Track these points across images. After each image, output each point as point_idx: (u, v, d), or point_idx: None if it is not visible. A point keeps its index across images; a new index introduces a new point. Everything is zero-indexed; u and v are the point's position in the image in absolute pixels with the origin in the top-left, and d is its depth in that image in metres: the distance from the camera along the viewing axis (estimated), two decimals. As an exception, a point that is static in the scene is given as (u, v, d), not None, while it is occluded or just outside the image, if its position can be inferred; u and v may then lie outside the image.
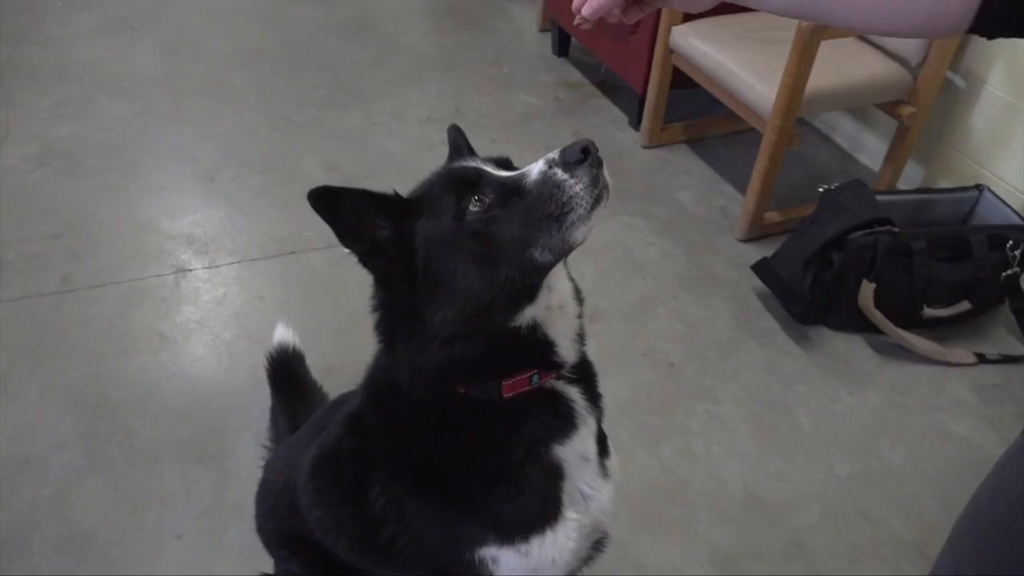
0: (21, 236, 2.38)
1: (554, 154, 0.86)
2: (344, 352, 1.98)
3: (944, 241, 2.10)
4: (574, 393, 0.98)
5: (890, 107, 2.41)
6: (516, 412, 0.94)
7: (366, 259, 0.90)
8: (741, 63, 2.37)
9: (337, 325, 2.08)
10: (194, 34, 3.52)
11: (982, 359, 2.12)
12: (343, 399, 1.25)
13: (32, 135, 2.83)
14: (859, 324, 2.14)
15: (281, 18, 3.69)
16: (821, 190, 2.22)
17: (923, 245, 2.06)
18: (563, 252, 0.86)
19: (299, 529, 1.22)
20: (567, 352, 0.95)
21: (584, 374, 1.01)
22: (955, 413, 1.99)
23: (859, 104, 2.56)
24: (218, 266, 2.32)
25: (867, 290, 2.06)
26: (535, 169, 0.86)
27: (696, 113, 2.97)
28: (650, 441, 1.88)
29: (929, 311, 2.11)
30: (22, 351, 2.03)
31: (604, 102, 3.18)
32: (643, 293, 2.29)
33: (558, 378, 0.96)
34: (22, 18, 3.55)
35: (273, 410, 1.73)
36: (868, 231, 2.06)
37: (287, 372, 1.70)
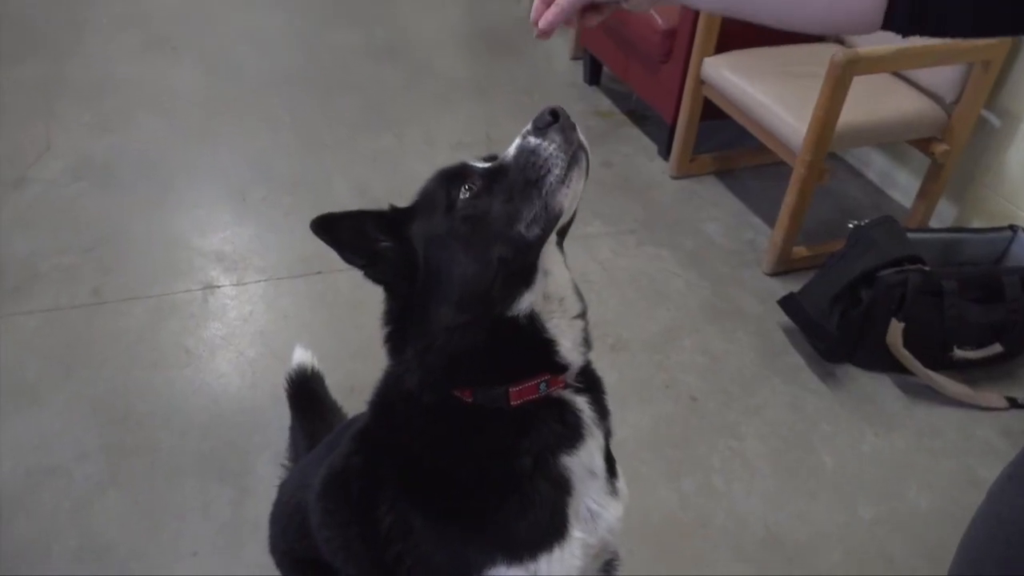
0: (56, 248, 2.43)
1: (527, 126, 0.90)
2: (365, 372, 1.96)
3: (976, 282, 2.07)
4: (581, 403, 0.98)
5: (923, 144, 2.39)
6: (524, 420, 0.94)
7: (369, 271, 0.94)
8: (772, 96, 2.36)
9: (359, 346, 2.09)
10: (232, 55, 3.59)
11: (1013, 404, 2.07)
12: (355, 420, 1.25)
13: (71, 149, 2.89)
14: (887, 363, 2.11)
15: (317, 42, 3.75)
16: (851, 226, 2.20)
17: (954, 285, 2.03)
18: (549, 222, 0.88)
19: (310, 551, 1.22)
20: (570, 353, 0.95)
21: (591, 385, 1.01)
22: (984, 458, 1.94)
23: (891, 140, 2.54)
24: (246, 284, 2.34)
25: (896, 329, 2.03)
26: (513, 146, 0.91)
27: (726, 144, 2.96)
28: (670, 475, 1.86)
29: (959, 353, 2.07)
30: (52, 361, 2.06)
31: (634, 131, 3.18)
32: (667, 324, 2.28)
33: (566, 387, 0.96)
34: (68, 35, 3.65)
35: (292, 429, 1.74)
36: (898, 269, 2.03)
37: (306, 392, 1.71)
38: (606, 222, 2.67)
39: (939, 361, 2.08)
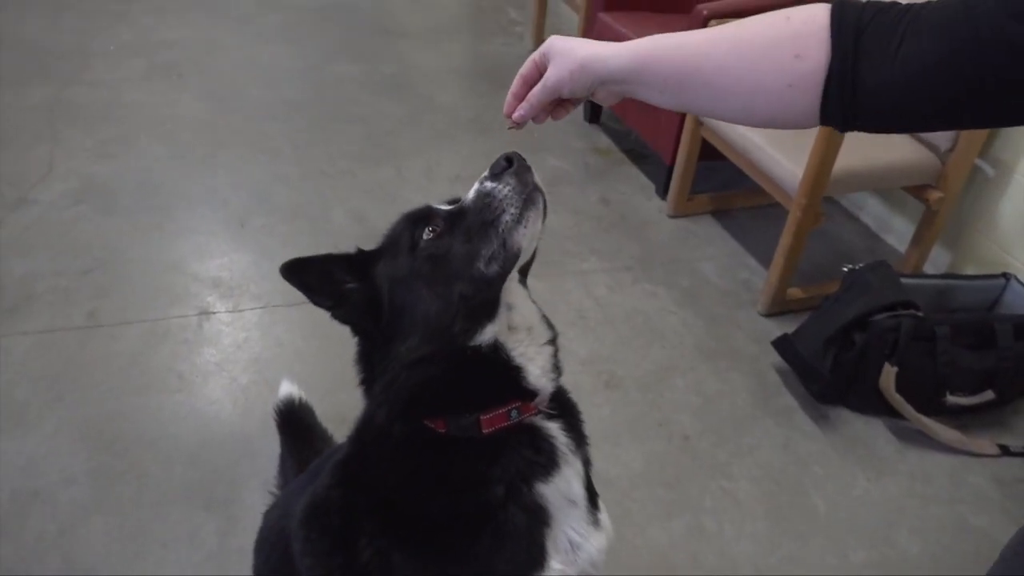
0: (53, 270, 2.43)
1: (485, 172, 0.95)
2: (357, 402, 1.95)
3: (969, 328, 2.08)
4: (554, 429, 0.99)
5: (918, 191, 2.42)
6: (495, 448, 0.94)
7: (336, 312, 0.98)
8: (769, 139, 2.39)
9: (351, 376, 2.07)
10: (236, 84, 3.64)
11: (1005, 451, 2.07)
12: (340, 447, 1.25)
13: (73, 172, 2.91)
14: (880, 407, 2.11)
15: (320, 73, 3.80)
16: (845, 269, 2.21)
17: (947, 331, 2.04)
18: (508, 260, 0.92)
19: None
20: (539, 380, 0.96)
21: (565, 412, 1.02)
22: (976, 505, 1.93)
23: (886, 186, 2.57)
24: (241, 310, 2.34)
25: (889, 373, 2.04)
26: (472, 190, 0.96)
27: (723, 185, 2.99)
28: (661, 515, 1.84)
29: (952, 398, 2.07)
30: (43, 383, 2.05)
31: (632, 170, 3.21)
32: (661, 363, 2.28)
33: (537, 413, 0.97)
34: (75, 61, 3.70)
35: (282, 457, 1.73)
36: (892, 314, 2.04)
37: (295, 421, 1.71)
38: (602, 259, 2.68)
39: (932, 406, 2.08)
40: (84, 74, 3.59)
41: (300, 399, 1.74)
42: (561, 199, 2.96)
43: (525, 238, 0.92)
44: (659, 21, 3.09)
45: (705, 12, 2.45)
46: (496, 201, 0.92)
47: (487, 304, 0.93)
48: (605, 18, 3.17)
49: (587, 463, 1.05)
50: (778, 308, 2.47)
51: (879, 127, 0.73)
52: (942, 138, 2.32)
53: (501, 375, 0.94)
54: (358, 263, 0.99)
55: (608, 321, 2.41)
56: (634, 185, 3.11)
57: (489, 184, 0.94)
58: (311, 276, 0.97)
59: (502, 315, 0.94)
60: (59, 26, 4.01)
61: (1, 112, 3.25)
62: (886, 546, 1.82)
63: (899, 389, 2.04)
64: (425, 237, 0.95)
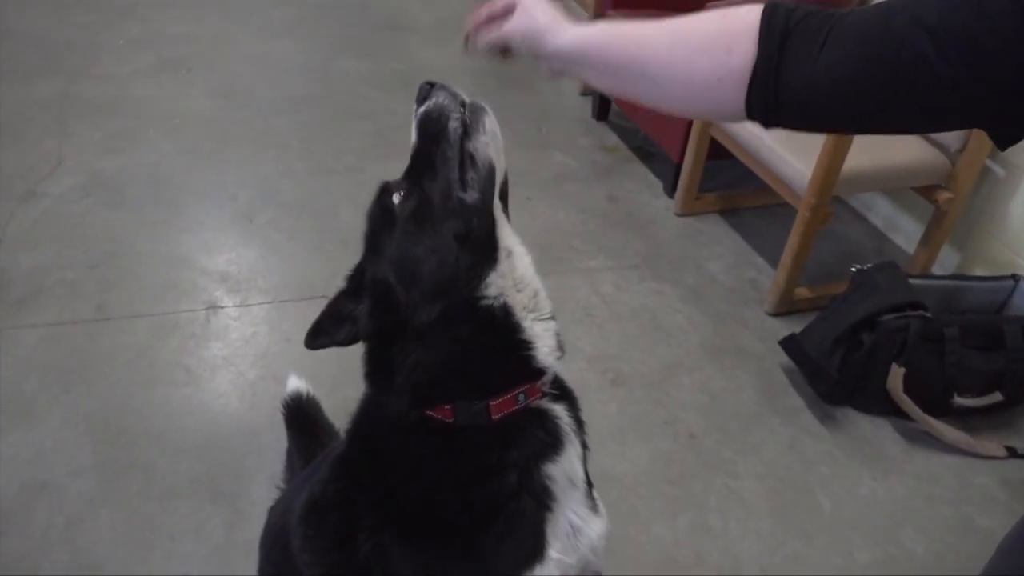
0: (61, 263, 2.44)
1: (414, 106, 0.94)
2: (365, 399, 1.98)
3: (977, 330, 2.07)
4: (559, 410, 0.98)
5: (927, 191, 2.41)
6: (507, 433, 0.94)
7: (362, 336, 0.98)
8: (778, 139, 2.39)
9: (358, 371, 2.08)
10: (244, 79, 3.64)
11: (1013, 453, 2.06)
12: (339, 444, 1.26)
13: (82, 166, 2.92)
14: (887, 408, 2.11)
15: (328, 69, 3.80)
16: (854, 269, 2.21)
17: (955, 332, 2.03)
18: (485, 179, 0.89)
19: (295, 575, 1.21)
20: (547, 357, 0.95)
21: (565, 394, 1.02)
22: (982, 507, 1.93)
23: (895, 186, 2.56)
24: (249, 305, 2.35)
25: (896, 374, 2.03)
26: (412, 132, 0.93)
27: (731, 184, 2.99)
28: (666, 512, 1.84)
29: (959, 400, 2.07)
30: (51, 376, 2.06)
31: (640, 168, 3.21)
32: (667, 361, 2.28)
33: (542, 396, 0.96)
34: (84, 55, 3.70)
35: (289, 452, 1.74)
36: (900, 314, 2.03)
37: (302, 415, 1.72)
38: (609, 256, 2.68)
39: (939, 407, 2.08)
40: (92, 68, 3.60)
41: (307, 394, 1.75)
42: (568, 196, 2.96)
43: (489, 146, 0.90)
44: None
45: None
46: (435, 115, 0.91)
47: (485, 242, 0.91)
48: (614, 16, 3.16)
49: (585, 447, 1.05)
50: (785, 308, 2.47)
51: (799, 126, 0.77)
52: (952, 138, 2.32)
53: (512, 349, 0.93)
54: (354, 284, 1.00)
55: (614, 319, 2.41)
56: (641, 183, 3.11)
57: (420, 108, 0.93)
58: (330, 327, 0.98)
59: (504, 261, 0.92)
60: (67, 20, 4.02)
61: (10, 106, 3.26)
62: (892, 546, 1.82)
63: (906, 390, 2.04)
64: (397, 204, 0.93)
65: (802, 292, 2.48)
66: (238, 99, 3.47)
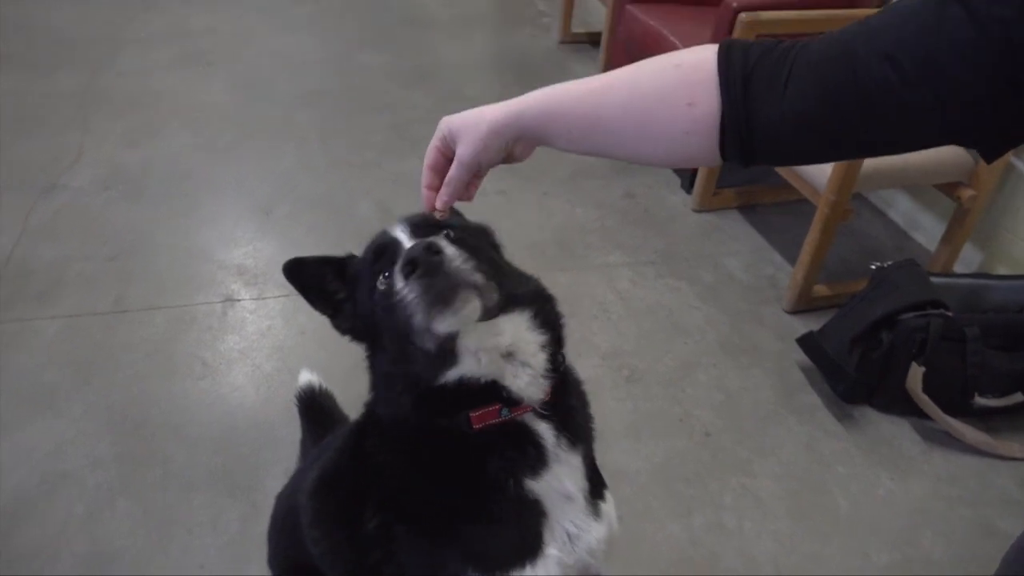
0: (81, 255, 2.46)
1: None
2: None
3: (1000, 329, 2.04)
4: (543, 429, 0.95)
5: (949, 188, 2.38)
6: (484, 444, 0.93)
7: (333, 321, 1.00)
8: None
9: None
10: (264, 73, 3.66)
11: (1034, 454, 2.04)
12: (341, 432, 1.27)
13: (102, 159, 2.94)
14: (906, 407, 2.08)
15: (347, 63, 3.81)
16: (873, 267, 2.18)
17: (977, 332, 2.00)
18: (442, 341, 0.85)
19: (303, 556, 1.22)
20: (522, 391, 0.91)
21: (562, 408, 0.98)
22: (1002, 509, 1.91)
23: (917, 183, 2.53)
24: (265, 298, 2.36)
25: (916, 373, 2.01)
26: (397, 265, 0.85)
27: (749, 180, 2.96)
28: (681, 511, 1.84)
29: (980, 400, 2.04)
30: (71, 367, 2.08)
31: (658, 163, 3.18)
32: (684, 358, 2.27)
33: (530, 411, 0.94)
34: (106, 49, 3.74)
35: (303, 443, 1.75)
36: (920, 313, 2.01)
37: (316, 407, 1.72)
38: (626, 253, 2.67)
39: (959, 408, 2.05)
40: (114, 62, 3.63)
41: (320, 386, 1.75)
42: (585, 192, 2.95)
43: (446, 323, 0.83)
44: (686, 13, 3.06)
45: (735, 4, 2.42)
46: (405, 303, 0.83)
47: (442, 361, 0.88)
48: (633, 10, 3.14)
49: (588, 457, 1.04)
50: (803, 305, 2.45)
51: (779, 162, 0.80)
52: (975, 135, 2.28)
53: (479, 392, 0.91)
54: (347, 271, 1.00)
55: (631, 315, 2.40)
56: (659, 179, 3.09)
57: (399, 283, 0.83)
58: (308, 276, 0.98)
59: (466, 359, 0.89)
60: (90, 15, 4.05)
61: (32, 99, 3.30)
62: (910, 548, 1.80)
63: (926, 389, 2.01)
64: (379, 285, 0.90)
65: (820, 290, 2.46)
66: (258, 93, 3.49)
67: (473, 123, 0.88)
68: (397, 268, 0.84)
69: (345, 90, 3.57)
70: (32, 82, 3.41)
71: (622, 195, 2.97)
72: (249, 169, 2.97)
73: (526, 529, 0.97)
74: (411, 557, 1.02)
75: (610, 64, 3.47)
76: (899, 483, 1.95)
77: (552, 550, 0.98)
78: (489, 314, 0.87)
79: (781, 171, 2.46)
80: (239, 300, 2.35)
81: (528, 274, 1.02)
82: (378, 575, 1.04)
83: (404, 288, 0.83)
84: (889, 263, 2.18)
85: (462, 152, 0.89)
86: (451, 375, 0.89)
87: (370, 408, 1.06)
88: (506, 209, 2.75)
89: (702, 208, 2.90)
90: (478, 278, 0.84)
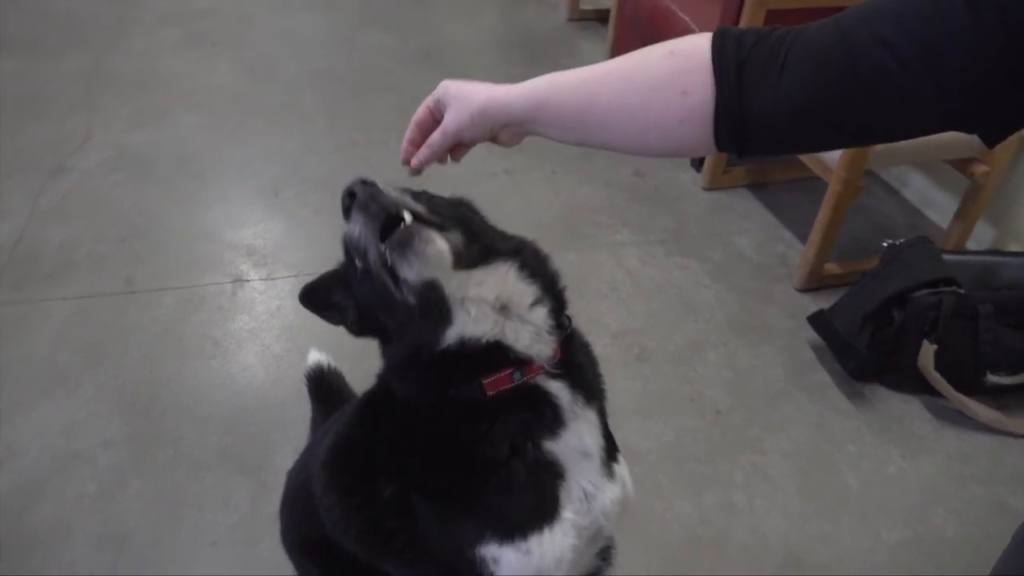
0: (90, 237, 2.47)
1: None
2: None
3: (1013, 306, 2.02)
4: (557, 388, 0.96)
5: (962, 164, 2.35)
6: (499, 409, 0.94)
7: (348, 329, 1.02)
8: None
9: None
10: (270, 54, 3.64)
11: (1047, 432, 2.03)
12: (347, 407, 1.28)
13: (110, 141, 2.94)
14: (917, 385, 2.07)
15: (353, 43, 3.79)
16: (885, 244, 2.16)
17: (990, 309, 1.99)
18: (420, 288, 0.87)
19: (315, 529, 1.22)
20: (529, 348, 0.92)
21: (573, 367, 0.99)
22: (1014, 486, 1.90)
23: (930, 159, 2.50)
24: (274, 279, 2.36)
25: (928, 351, 2.00)
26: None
27: (760, 158, 2.94)
28: (691, 489, 1.84)
29: (993, 378, 2.03)
30: (82, 348, 2.09)
31: (667, 142, 3.16)
32: (693, 336, 2.26)
33: (542, 372, 0.95)
34: (112, 30, 3.72)
35: (314, 422, 1.75)
36: (933, 290, 1.99)
37: (325, 386, 1.73)
38: (635, 231, 2.65)
39: (971, 385, 2.04)
40: (120, 44, 3.62)
41: (329, 366, 1.75)
42: (593, 171, 2.93)
43: (414, 267, 0.86)
44: (697, -11, 3.01)
45: (747, -17, 2.39)
46: (356, 246, 0.88)
47: (433, 316, 0.89)
48: (642, -14, 3.10)
49: (603, 414, 1.05)
50: (814, 283, 2.43)
51: (774, 150, 0.78)
52: (990, 110, 2.25)
53: (485, 355, 0.92)
54: (343, 278, 1.02)
55: (640, 294, 2.39)
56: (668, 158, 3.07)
57: (345, 228, 0.88)
58: (320, 299, 1.02)
59: (459, 313, 0.90)
60: (95, -5, 4.04)
61: (39, 81, 3.29)
62: (920, 526, 1.80)
63: (938, 367, 2.00)
64: (358, 264, 0.93)
65: (831, 268, 2.44)
66: (264, 73, 3.47)
67: (466, 97, 0.88)
68: (343, 210, 0.88)
69: (351, 70, 3.55)
70: (39, 64, 3.41)
71: (631, 173, 2.95)
72: (256, 150, 2.96)
73: (543, 492, 0.97)
74: (428, 525, 1.02)
75: (618, 41, 3.44)
76: (910, 461, 1.95)
77: (568, 513, 0.98)
78: (465, 261, 0.89)
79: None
80: (248, 280, 2.35)
81: (519, 236, 1.02)
82: (393, 543, 1.05)
83: (350, 227, 0.87)
84: (901, 240, 2.16)
85: (447, 121, 0.90)
86: (451, 336, 0.90)
87: (382, 380, 1.06)
88: (513, 188, 2.74)
89: (712, 186, 2.87)
90: (432, 217, 0.88)
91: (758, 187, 2.90)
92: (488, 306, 0.90)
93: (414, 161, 0.94)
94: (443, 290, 0.88)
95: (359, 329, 1.01)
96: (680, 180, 2.94)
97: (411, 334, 0.91)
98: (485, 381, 0.92)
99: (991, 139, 0.67)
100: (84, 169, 2.78)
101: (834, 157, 2.20)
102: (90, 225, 2.52)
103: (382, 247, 0.86)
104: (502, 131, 0.89)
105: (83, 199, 2.64)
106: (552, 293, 0.96)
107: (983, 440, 2.01)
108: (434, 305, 0.88)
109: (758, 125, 0.72)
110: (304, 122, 3.15)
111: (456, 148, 0.94)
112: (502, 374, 0.92)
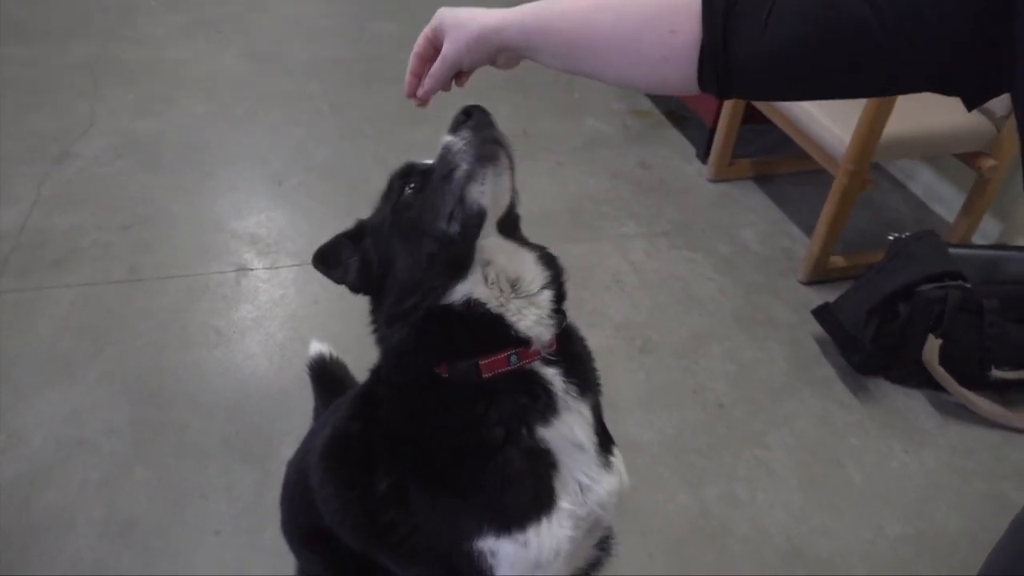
0: (95, 224, 2.47)
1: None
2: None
3: (1018, 301, 2.02)
4: (551, 375, 0.98)
5: (970, 158, 2.34)
6: (493, 393, 0.95)
7: (347, 284, 1.05)
8: (817, 104, 2.32)
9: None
10: (276, 42, 3.63)
11: (1051, 428, 2.02)
12: (348, 395, 1.28)
13: (114, 128, 2.94)
14: (921, 379, 2.07)
15: (360, 32, 3.77)
16: (891, 238, 2.16)
17: (996, 304, 1.98)
18: (469, 219, 0.91)
19: (315, 520, 1.23)
20: (530, 329, 0.94)
21: (570, 357, 1.01)
22: (1017, 482, 1.90)
23: (937, 152, 2.49)
24: (278, 268, 2.36)
25: (932, 345, 1.99)
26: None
27: (766, 150, 2.93)
28: (693, 482, 1.84)
29: (997, 373, 2.02)
30: (86, 335, 2.09)
31: (673, 133, 3.15)
32: (698, 329, 2.25)
33: (539, 358, 0.96)
34: (118, 17, 3.71)
35: (316, 410, 1.75)
36: (938, 284, 1.99)
37: (328, 375, 1.73)
38: (640, 223, 2.65)
39: (975, 380, 2.03)
40: (126, 30, 3.61)
41: (331, 355, 1.75)
42: (599, 162, 2.92)
43: (485, 196, 0.91)
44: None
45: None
46: (451, 155, 0.92)
47: (457, 262, 0.93)
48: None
49: (596, 408, 1.05)
50: (819, 276, 2.42)
51: (754, 96, 0.82)
52: (998, 103, 2.24)
53: (486, 327, 0.94)
54: (356, 234, 1.04)
55: (645, 286, 2.39)
56: (674, 148, 3.06)
57: (448, 138, 0.93)
58: (330, 261, 1.03)
59: (476, 272, 0.93)
60: (101, -19, 4.02)
61: (44, 68, 3.29)
62: (923, 521, 1.80)
63: (942, 362, 2.00)
64: (405, 193, 0.96)
65: (837, 261, 2.43)
66: (270, 62, 3.46)
67: (462, 25, 0.90)
68: (451, 127, 0.94)
69: (358, 59, 3.54)
70: (45, 51, 3.40)
71: (636, 164, 2.94)
72: (262, 138, 2.96)
73: (539, 482, 0.97)
74: (425, 518, 1.02)
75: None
76: (913, 455, 1.94)
77: (565, 503, 0.98)
78: (503, 227, 0.97)
79: (799, 140, 2.42)
80: (252, 269, 2.35)
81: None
82: (390, 537, 1.05)
83: (454, 139, 0.92)
84: (907, 234, 2.15)
85: (446, 50, 0.91)
86: (460, 292, 0.92)
87: (377, 372, 1.07)
88: (518, 179, 2.72)
89: (717, 178, 2.86)
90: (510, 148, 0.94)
91: (764, 179, 2.89)
92: (504, 277, 0.94)
93: (419, 92, 0.97)
94: (478, 235, 0.92)
95: (359, 283, 1.04)
96: (686, 172, 2.93)
97: (426, 275, 0.92)
98: (482, 363, 0.93)
99: (970, 102, 0.68)
100: (89, 156, 2.78)
101: (841, 150, 2.19)
102: (95, 213, 2.52)
103: (474, 163, 0.91)
104: (498, 55, 0.91)
105: (87, 186, 2.64)
106: (557, 284, 1.00)
107: (986, 435, 2.01)
108: (468, 241, 0.92)
109: (741, 69, 0.74)
110: (310, 111, 3.14)
111: (459, 75, 0.96)
112: (499, 356, 0.93)
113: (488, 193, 0.91)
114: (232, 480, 1.77)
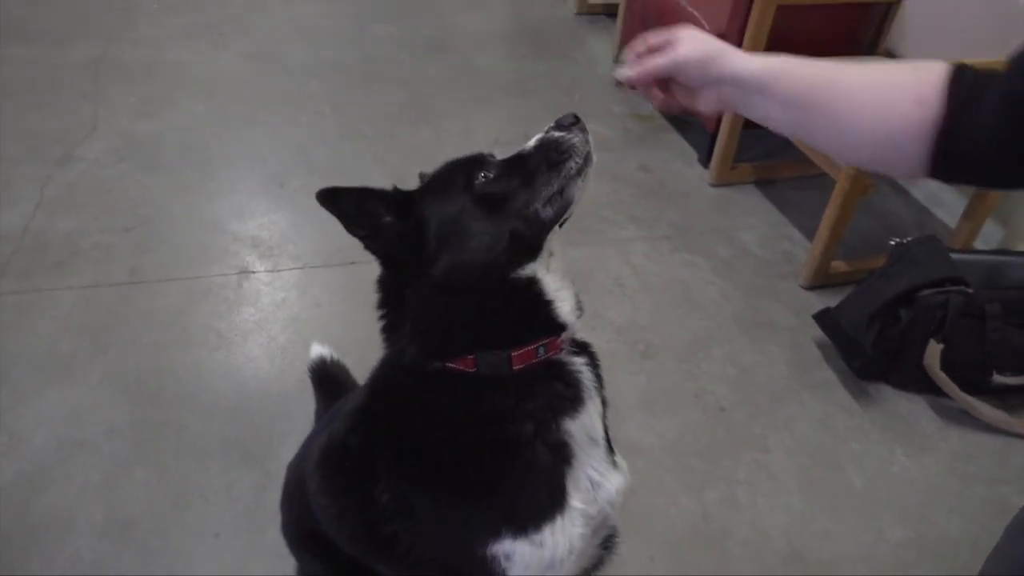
0: (97, 226, 2.47)
1: (551, 124, 1.02)
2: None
3: (1020, 307, 2.01)
4: (579, 364, 1.01)
5: (971, 163, 2.33)
6: (525, 384, 0.96)
7: (369, 243, 1.00)
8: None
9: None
10: (277, 44, 3.63)
11: (1052, 433, 2.02)
12: (349, 398, 1.27)
13: (116, 130, 2.94)
14: (922, 384, 2.07)
15: (360, 33, 3.78)
16: (893, 243, 2.16)
17: (998, 309, 1.98)
18: (563, 207, 0.97)
19: (314, 523, 1.22)
20: (568, 315, 0.98)
21: (586, 350, 1.04)
22: (1019, 487, 1.89)
23: (938, 157, 2.48)
24: (280, 270, 2.36)
25: (934, 350, 1.99)
26: (532, 141, 1.01)
27: (767, 154, 2.93)
28: (694, 485, 1.83)
29: (999, 378, 2.02)
30: (87, 337, 2.09)
31: (674, 136, 3.15)
32: (698, 333, 2.25)
33: (562, 350, 0.99)
34: (119, 18, 3.72)
35: (317, 413, 1.75)
36: (940, 289, 1.99)
37: (329, 378, 1.73)
38: (641, 226, 2.65)
39: (977, 385, 2.03)
40: (127, 32, 3.62)
41: (332, 358, 1.76)
42: (600, 165, 2.85)
43: (581, 190, 0.98)
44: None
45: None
46: (565, 147, 0.98)
47: (534, 245, 0.96)
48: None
49: (605, 404, 1.07)
50: (820, 281, 2.42)
51: (983, 184, 0.85)
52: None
53: (534, 307, 0.96)
54: (396, 200, 1.01)
55: (645, 290, 2.39)
56: (675, 152, 3.06)
57: (558, 133, 0.99)
58: (347, 205, 0.98)
59: (543, 258, 0.98)
60: (104, -17, 4.03)
61: (46, 70, 3.29)
62: (923, 525, 1.80)
63: (944, 367, 1.99)
64: (479, 179, 0.98)
65: (838, 266, 2.43)
66: (271, 63, 3.47)
67: (704, 38, 0.91)
68: (551, 125, 1.01)
69: (359, 61, 3.55)
70: (46, 53, 3.41)
71: (637, 168, 2.94)
72: (263, 140, 2.96)
73: (553, 479, 0.98)
74: (433, 527, 1.01)
75: (626, 35, 3.42)
76: (914, 460, 1.94)
77: (576, 502, 0.99)
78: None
79: (800, 144, 2.42)
80: (254, 272, 2.35)
81: None
82: (393, 548, 1.04)
83: (567, 134, 0.99)
84: (909, 239, 2.15)
85: (683, 49, 0.91)
86: (527, 270, 0.96)
87: (387, 367, 1.05)
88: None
89: (719, 182, 2.87)
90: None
91: (765, 183, 2.89)
92: (559, 265, 1.00)
93: (629, 71, 0.96)
94: (560, 224, 0.99)
95: (391, 250, 1.00)
96: (687, 175, 2.93)
97: (503, 252, 0.94)
98: (514, 354, 0.94)
99: None
100: (91, 158, 2.78)
101: (842, 154, 2.18)
102: (97, 214, 2.52)
103: (584, 161, 0.99)
104: (713, 87, 0.91)
105: (89, 189, 2.64)
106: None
107: (988, 440, 2.00)
108: (549, 227, 0.97)
109: (968, 155, 0.74)
110: (311, 113, 3.14)
111: (665, 84, 0.96)
112: (529, 348, 0.95)
113: (583, 190, 0.98)
114: (232, 482, 1.77)
